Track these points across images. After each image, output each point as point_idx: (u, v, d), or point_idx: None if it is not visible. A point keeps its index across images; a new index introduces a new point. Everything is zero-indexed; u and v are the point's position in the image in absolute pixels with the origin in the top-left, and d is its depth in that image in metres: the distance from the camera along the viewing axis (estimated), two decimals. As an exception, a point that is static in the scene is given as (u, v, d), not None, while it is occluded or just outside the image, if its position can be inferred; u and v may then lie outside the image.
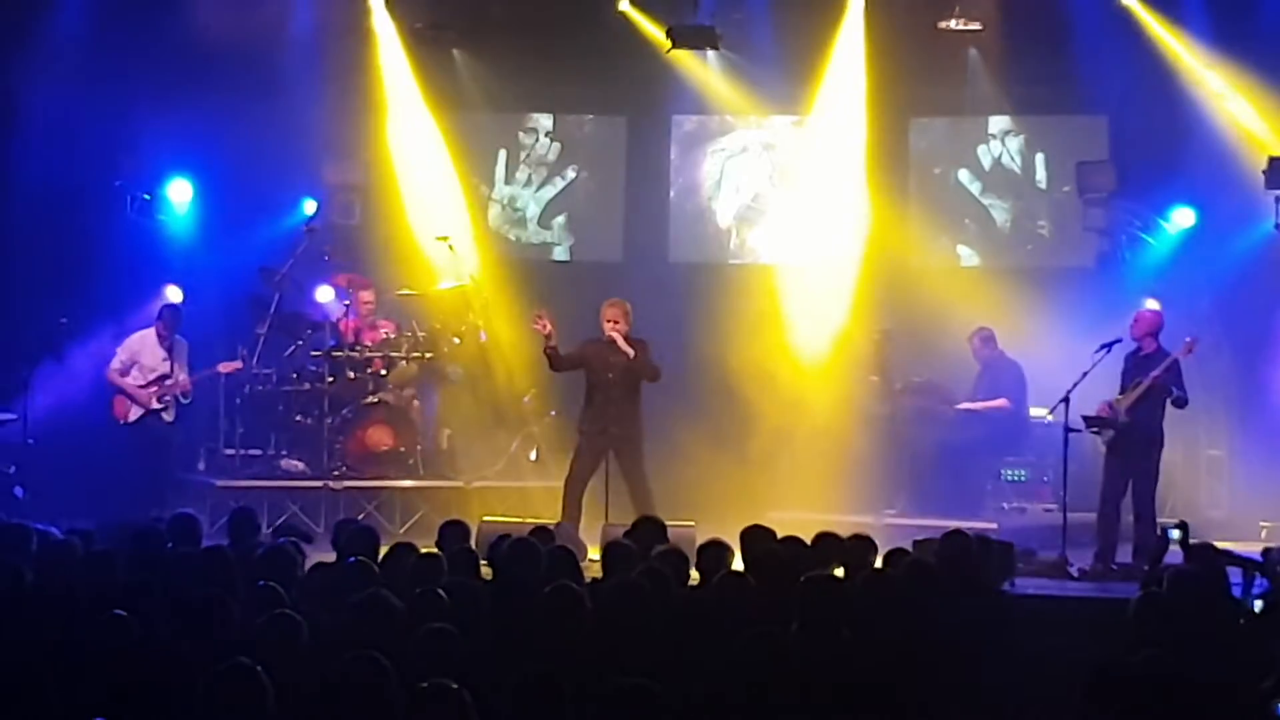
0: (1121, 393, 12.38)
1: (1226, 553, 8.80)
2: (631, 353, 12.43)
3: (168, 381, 13.79)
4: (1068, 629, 9.22)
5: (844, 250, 16.03)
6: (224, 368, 14.15)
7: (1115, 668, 5.98)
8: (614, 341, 12.53)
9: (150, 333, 13.92)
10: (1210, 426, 14.87)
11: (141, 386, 13.79)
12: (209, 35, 14.47)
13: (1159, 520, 11.86)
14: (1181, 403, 12.32)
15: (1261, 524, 14.02)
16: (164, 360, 13.79)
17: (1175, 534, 9.27)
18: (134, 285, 14.72)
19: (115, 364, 13.88)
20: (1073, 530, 12.19)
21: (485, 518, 12.52)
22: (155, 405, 13.78)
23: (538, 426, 15.08)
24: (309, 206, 15.59)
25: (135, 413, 13.83)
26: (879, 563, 8.62)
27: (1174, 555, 9.24)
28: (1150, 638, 6.99)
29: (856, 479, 13.99)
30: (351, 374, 14.46)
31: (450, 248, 15.34)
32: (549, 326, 12.51)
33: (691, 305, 14.48)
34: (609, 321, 12.58)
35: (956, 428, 14.03)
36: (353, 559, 8.13)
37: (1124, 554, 12.19)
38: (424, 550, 8.42)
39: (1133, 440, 12.30)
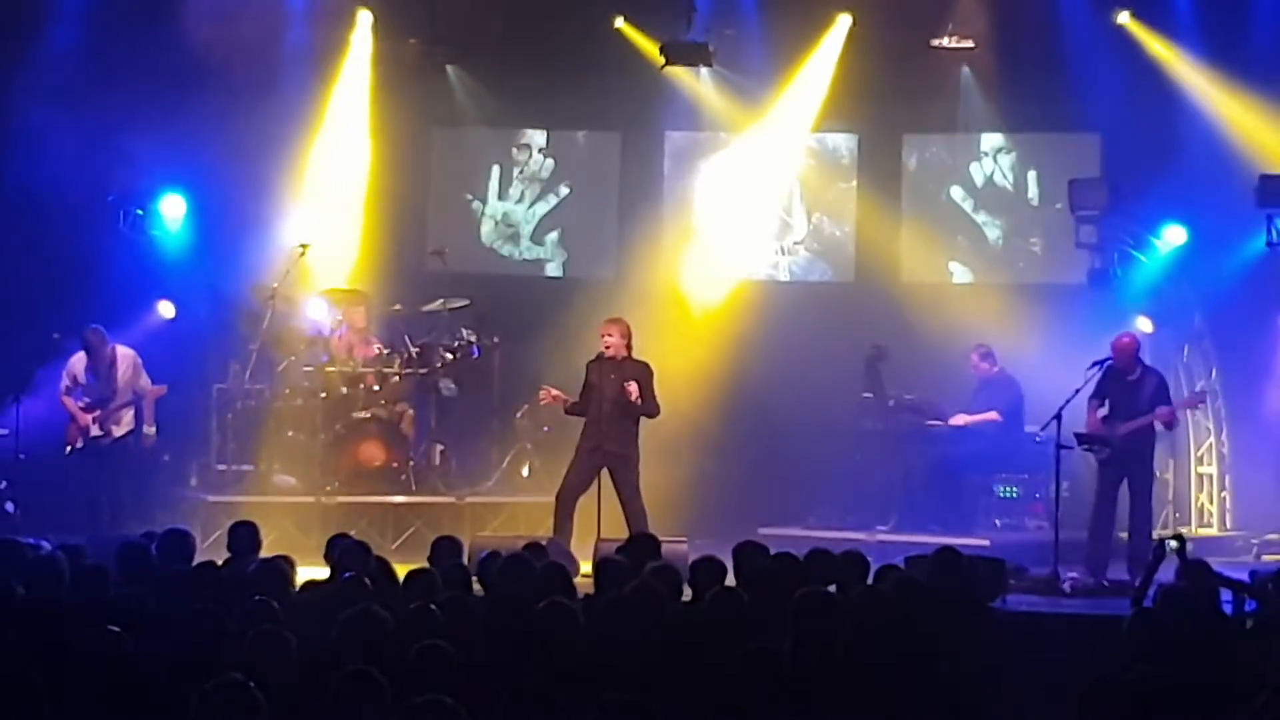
0: (1108, 413, 12.42)
1: (1217, 574, 8.80)
2: (635, 395, 12.30)
3: (108, 407, 13.65)
4: (1060, 646, 9.21)
5: (837, 266, 16.08)
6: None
7: (1108, 683, 5.98)
8: (611, 359, 12.41)
9: (83, 355, 13.81)
10: (1202, 444, 14.89)
11: (84, 409, 13.72)
12: (202, 51, 14.48)
13: (1156, 533, 11.90)
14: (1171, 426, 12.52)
15: (1253, 540, 14.05)
16: (92, 385, 13.64)
17: (1173, 544, 9.25)
18: (127, 300, 14.71)
19: (61, 386, 13.81)
20: (1065, 547, 12.19)
21: (478, 533, 12.51)
22: (95, 431, 13.69)
23: (531, 442, 15.08)
24: (302, 221, 15.58)
25: (80, 441, 13.75)
26: (871, 579, 8.63)
27: (1166, 572, 9.23)
28: (1143, 654, 6.99)
29: (849, 495, 14.00)
30: (344, 389, 14.44)
31: (443, 263, 15.35)
32: (559, 396, 12.48)
33: (684, 321, 14.46)
34: (606, 336, 12.48)
35: (949, 444, 14.04)
36: (345, 575, 8.12)
37: (1116, 570, 12.20)
38: (417, 566, 8.40)
39: (1128, 453, 12.37)
